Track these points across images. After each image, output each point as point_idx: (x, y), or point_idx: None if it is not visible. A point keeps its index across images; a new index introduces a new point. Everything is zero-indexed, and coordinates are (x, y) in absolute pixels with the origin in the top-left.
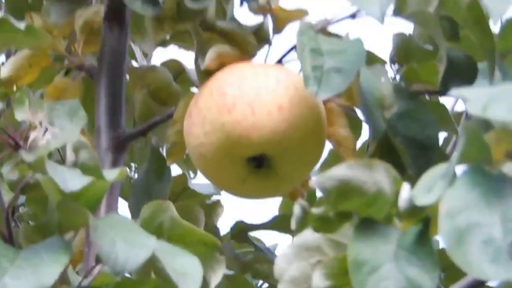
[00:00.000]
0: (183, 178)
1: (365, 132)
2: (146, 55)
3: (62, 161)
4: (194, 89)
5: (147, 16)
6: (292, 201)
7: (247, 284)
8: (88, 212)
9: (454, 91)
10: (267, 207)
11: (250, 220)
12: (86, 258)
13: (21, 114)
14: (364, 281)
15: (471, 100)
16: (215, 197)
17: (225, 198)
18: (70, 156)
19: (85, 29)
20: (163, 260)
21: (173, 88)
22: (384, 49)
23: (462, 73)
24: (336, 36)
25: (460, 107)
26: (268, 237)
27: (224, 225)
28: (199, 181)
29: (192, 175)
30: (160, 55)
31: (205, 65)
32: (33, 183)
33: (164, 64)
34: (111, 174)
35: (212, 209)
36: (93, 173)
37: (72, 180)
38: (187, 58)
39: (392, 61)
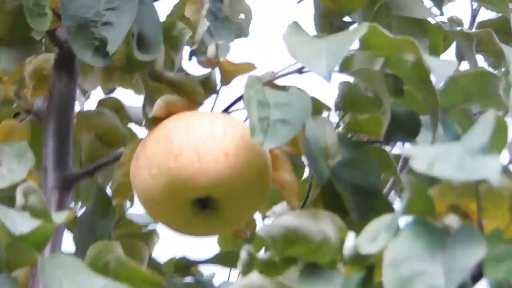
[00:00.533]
0: (120, 207)
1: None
2: (85, 93)
3: (9, 200)
4: (133, 126)
5: (97, 66)
6: (232, 237)
7: None
8: (35, 252)
9: (403, 150)
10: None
11: (186, 249)
12: None
13: None
14: None
15: (418, 158)
16: (151, 226)
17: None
18: (20, 199)
19: (35, 75)
20: None
21: (120, 131)
22: (329, 96)
23: (405, 126)
24: (283, 88)
25: (397, 150)
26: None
27: (159, 253)
28: (135, 211)
29: (128, 204)
30: (98, 93)
31: (153, 113)
32: None
33: (103, 101)
34: (59, 217)
35: (148, 237)
36: (41, 215)
37: (21, 223)
38: (124, 95)
39: (337, 108)
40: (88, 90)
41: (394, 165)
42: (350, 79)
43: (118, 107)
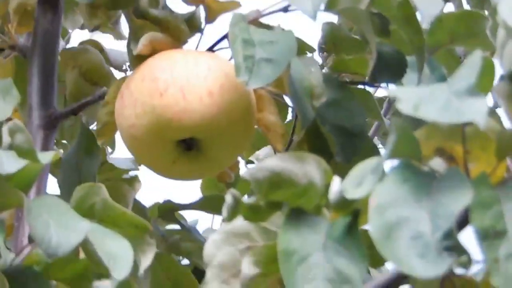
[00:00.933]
0: (102, 152)
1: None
2: (64, 37)
3: None
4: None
5: (81, 3)
6: (215, 181)
7: (174, 264)
8: (21, 193)
9: (389, 92)
10: (184, 184)
11: (169, 195)
12: (16, 233)
13: None
14: (293, 270)
15: (403, 100)
16: (132, 172)
17: (143, 172)
18: (5, 138)
19: (19, 11)
20: (95, 243)
21: (105, 69)
22: (313, 37)
23: (391, 67)
24: (268, 27)
25: (381, 93)
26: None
27: (142, 199)
28: (117, 156)
29: (110, 150)
30: (78, 36)
31: (137, 50)
32: None
33: (83, 44)
34: (45, 157)
35: (131, 183)
36: (28, 155)
37: (7, 163)
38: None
39: (321, 50)
40: (70, 29)
41: (378, 108)
42: (334, 19)
43: (98, 50)
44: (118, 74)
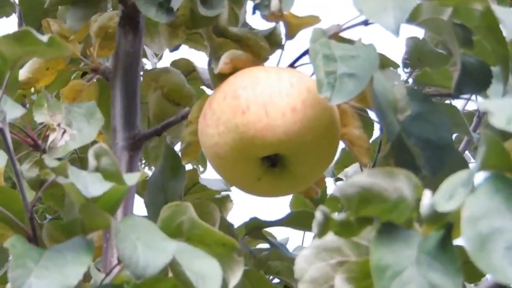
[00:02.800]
0: (193, 173)
1: (377, 132)
2: (157, 55)
3: (78, 160)
4: (204, 88)
5: (161, 22)
6: (304, 198)
7: (263, 280)
8: (108, 215)
9: (480, 105)
10: (275, 203)
11: (260, 215)
12: (105, 253)
13: (41, 116)
14: (387, 285)
15: (496, 113)
16: (224, 193)
17: (235, 193)
18: (91, 161)
19: (100, 33)
20: (182, 263)
21: (186, 89)
22: (396, 50)
23: (476, 78)
24: (349, 41)
25: (471, 107)
26: (278, 232)
27: (233, 219)
28: (209, 176)
29: (201, 169)
30: (170, 55)
31: (218, 69)
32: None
33: (175, 63)
34: (131, 179)
35: (222, 204)
36: (114, 178)
37: (93, 186)
38: (197, 57)
39: (405, 65)
40: (157, 52)
41: (466, 123)
42: (417, 33)
43: (190, 69)
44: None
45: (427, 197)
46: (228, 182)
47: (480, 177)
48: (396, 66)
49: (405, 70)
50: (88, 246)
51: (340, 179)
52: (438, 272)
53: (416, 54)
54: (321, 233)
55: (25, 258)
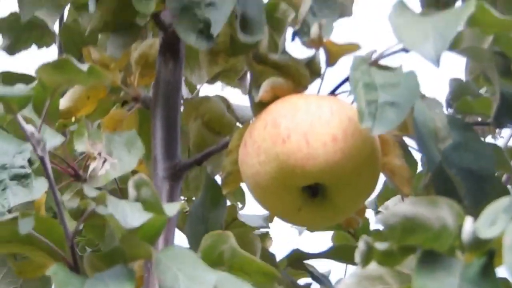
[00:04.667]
0: (232, 208)
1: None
2: (194, 89)
3: (119, 191)
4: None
5: (201, 50)
6: (346, 232)
7: None
8: (149, 245)
9: None
10: (317, 237)
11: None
12: (146, 284)
13: (81, 146)
14: None
15: None
16: (263, 229)
17: (277, 226)
18: (131, 192)
19: (141, 61)
20: None
21: (227, 118)
22: (436, 79)
23: None
24: (389, 69)
25: None
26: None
27: (275, 252)
28: (247, 212)
29: (240, 205)
30: (205, 91)
31: (259, 97)
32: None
33: (203, 101)
34: (170, 209)
35: (262, 240)
36: (154, 208)
37: (132, 216)
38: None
39: (448, 105)
40: (197, 84)
41: (508, 161)
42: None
43: (225, 105)
44: None
45: (469, 224)
46: (269, 211)
47: None
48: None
49: (449, 110)
50: (129, 275)
51: (380, 212)
52: None
53: (459, 95)
54: (364, 262)
55: (68, 286)
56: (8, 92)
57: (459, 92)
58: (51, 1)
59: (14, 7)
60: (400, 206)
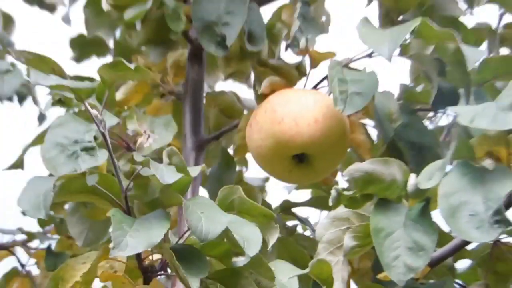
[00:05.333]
0: (240, 173)
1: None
2: (211, 87)
3: (158, 159)
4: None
5: (219, 57)
6: (319, 189)
7: (292, 245)
8: (180, 196)
9: (450, 108)
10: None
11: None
12: (179, 224)
13: (132, 125)
14: (382, 242)
15: (462, 114)
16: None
17: (268, 187)
18: (165, 159)
19: (174, 66)
20: (233, 230)
21: (237, 106)
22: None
23: (447, 97)
24: (357, 70)
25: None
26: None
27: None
28: (251, 175)
29: (245, 170)
30: (221, 86)
31: (261, 90)
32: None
33: (220, 95)
34: (194, 171)
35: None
36: (182, 170)
37: (168, 176)
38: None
39: (399, 97)
40: (213, 83)
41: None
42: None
43: (236, 97)
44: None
45: (412, 179)
46: (268, 173)
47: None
48: None
49: (400, 100)
50: (166, 216)
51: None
52: (419, 232)
53: (406, 92)
54: (334, 206)
55: (122, 224)
56: (78, 85)
57: (406, 90)
58: (108, 23)
59: (81, 29)
60: (362, 164)
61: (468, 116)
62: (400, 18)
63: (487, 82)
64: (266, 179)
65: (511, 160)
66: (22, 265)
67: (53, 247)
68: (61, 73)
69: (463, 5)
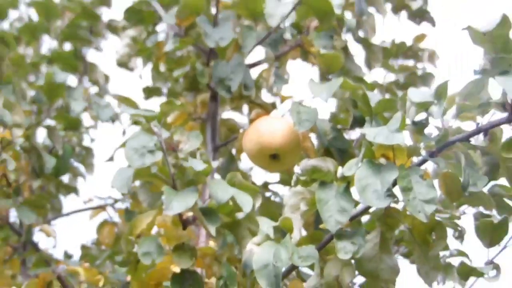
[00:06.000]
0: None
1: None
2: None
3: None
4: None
5: (226, 98)
6: (287, 174)
7: (270, 208)
8: (205, 177)
9: (361, 130)
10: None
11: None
12: (203, 195)
13: (177, 137)
14: (322, 207)
15: (368, 133)
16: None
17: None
18: (198, 156)
19: (201, 103)
20: (235, 197)
21: (237, 126)
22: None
23: (358, 121)
24: (307, 106)
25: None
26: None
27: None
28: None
29: (240, 162)
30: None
31: (250, 117)
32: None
33: (227, 119)
34: (213, 164)
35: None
36: (207, 163)
37: (199, 165)
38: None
39: (330, 121)
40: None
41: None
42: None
43: (235, 122)
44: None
45: (339, 170)
46: (255, 165)
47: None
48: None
49: (331, 123)
50: (196, 191)
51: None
52: (344, 201)
53: (333, 119)
54: (295, 184)
55: (170, 195)
56: (147, 113)
57: (333, 116)
58: (164, 78)
59: (148, 81)
60: (310, 161)
61: (371, 135)
62: (330, 76)
63: (380, 113)
64: (251, 168)
65: (395, 159)
66: (111, 218)
67: (129, 207)
68: (136, 107)
69: (365, 69)
